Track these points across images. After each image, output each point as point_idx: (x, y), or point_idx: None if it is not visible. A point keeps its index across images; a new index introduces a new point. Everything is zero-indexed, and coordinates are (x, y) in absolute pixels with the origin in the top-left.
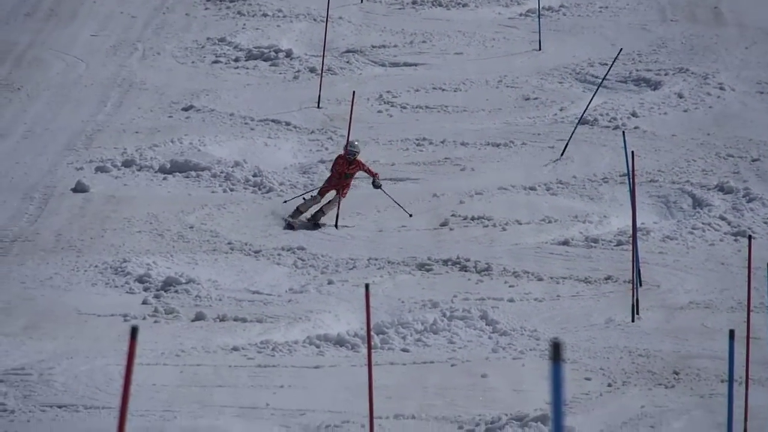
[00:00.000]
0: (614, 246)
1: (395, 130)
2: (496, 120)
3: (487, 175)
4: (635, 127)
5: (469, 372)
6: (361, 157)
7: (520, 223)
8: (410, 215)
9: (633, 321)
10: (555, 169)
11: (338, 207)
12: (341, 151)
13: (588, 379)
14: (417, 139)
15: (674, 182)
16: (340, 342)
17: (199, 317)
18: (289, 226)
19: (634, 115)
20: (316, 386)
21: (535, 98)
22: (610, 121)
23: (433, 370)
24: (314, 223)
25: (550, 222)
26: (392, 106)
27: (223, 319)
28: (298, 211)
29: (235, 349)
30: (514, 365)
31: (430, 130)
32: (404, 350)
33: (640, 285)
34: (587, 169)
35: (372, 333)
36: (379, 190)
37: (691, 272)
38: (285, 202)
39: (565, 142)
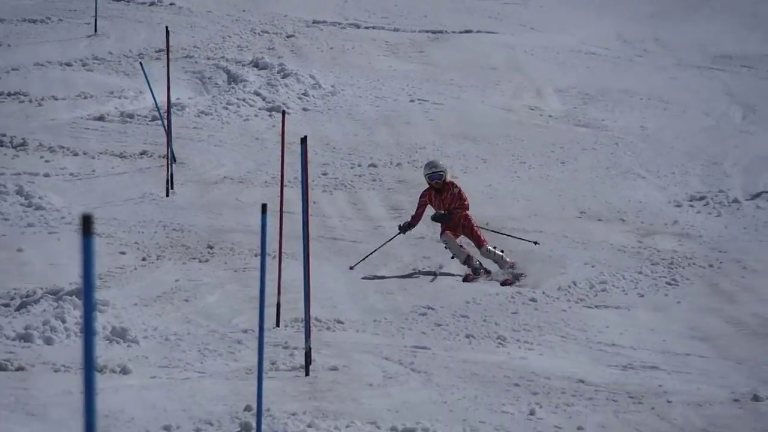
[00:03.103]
0: (149, 121)
1: None
2: None
3: (23, 51)
4: (171, 4)
5: (4, 246)
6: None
7: (56, 99)
8: (536, 243)
9: (167, 196)
10: (91, 44)
11: (494, 252)
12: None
13: (123, 253)
14: None
15: (209, 58)
16: None
17: None
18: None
19: None
20: None
21: None
22: None
23: None
24: (485, 270)
25: (86, 98)
26: None
27: None
28: (471, 258)
29: None
30: (50, 239)
31: None
32: None
33: (175, 160)
34: (123, 45)
35: None
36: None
37: (226, 147)
38: (351, 268)
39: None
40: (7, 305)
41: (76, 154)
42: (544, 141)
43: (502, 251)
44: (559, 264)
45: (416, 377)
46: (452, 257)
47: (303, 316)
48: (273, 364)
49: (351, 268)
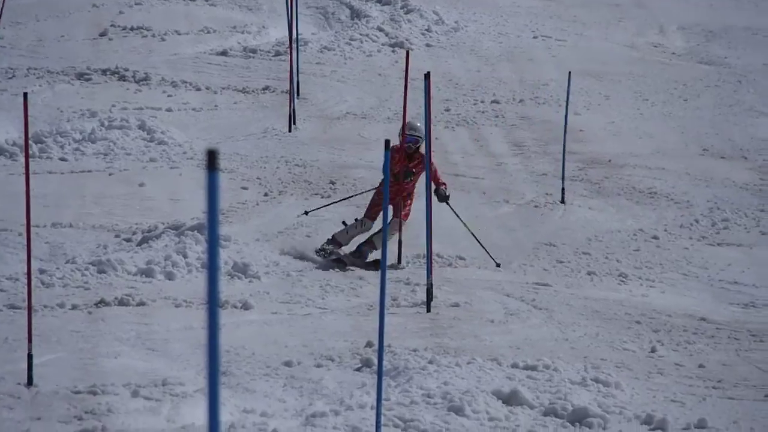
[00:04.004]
0: (272, 56)
1: None
2: None
3: None
4: None
5: (126, 181)
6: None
7: (179, 34)
8: (498, 265)
9: (290, 131)
10: None
11: (399, 232)
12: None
13: (245, 188)
14: None
15: None
16: None
17: None
18: (324, 255)
19: None
20: None
21: None
22: None
23: (91, 179)
24: (361, 259)
25: (208, 32)
26: None
27: None
28: (335, 242)
29: None
30: (171, 174)
31: None
32: (62, 159)
33: (298, 96)
34: None
35: (30, 142)
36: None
37: (349, 83)
38: (305, 213)
39: None
40: (129, 240)
41: (198, 89)
42: (666, 78)
43: (394, 234)
44: (681, 201)
45: (537, 314)
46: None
47: (425, 252)
48: (394, 300)
49: (306, 213)
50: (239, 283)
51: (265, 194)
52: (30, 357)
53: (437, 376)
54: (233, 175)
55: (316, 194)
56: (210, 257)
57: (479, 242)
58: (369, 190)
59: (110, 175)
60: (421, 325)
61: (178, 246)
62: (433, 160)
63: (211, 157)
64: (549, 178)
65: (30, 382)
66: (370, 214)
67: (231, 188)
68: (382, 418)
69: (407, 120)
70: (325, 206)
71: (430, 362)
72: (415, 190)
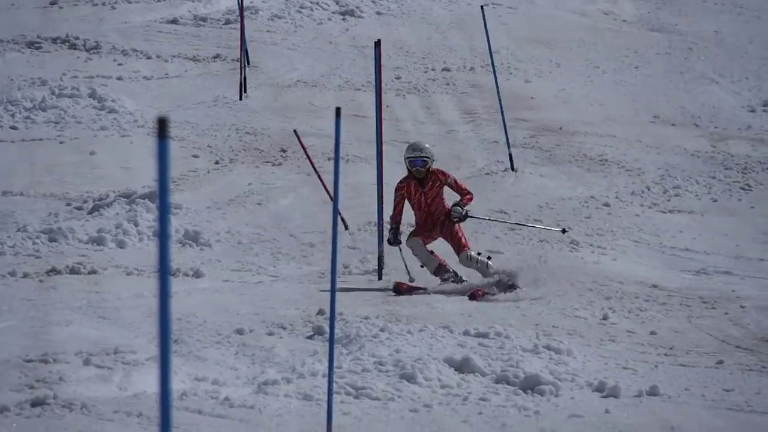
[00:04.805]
0: (222, 25)
1: None
2: None
3: None
4: None
5: (77, 149)
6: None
7: (129, 2)
8: (564, 231)
9: (241, 99)
10: None
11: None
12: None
13: (196, 156)
14: None
15: None
16: None
17: None
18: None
19: None
20: None
21: None
22: None
23: (42, 148)
24: (458, 277)
25: (159, 0)
26: None
27: None
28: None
29: None
30: (122, 143)
31: None
32: (13, 128)
33: (248, 64)
34: None
35: None
36: (463, 220)
37: (299, 51)
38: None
39: None
40: (80, 208)
41: (149, 57)
42: (617, 46)
43: (488, 258)
44: (632, 168)
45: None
46: (421, 266)
47: (376, 219)
48: (346, 267)
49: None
50: (190, 251)
51: (216, 162)
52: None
53: (389, 344)
54: (184, 143)
55: (267, 162)
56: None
57: (538, 227)
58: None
59: (61, 143)
60: (372, 293)
61: (129, 214)
62: (446, 171)
63: (162, 124)
64: (500, 146)
65: None
66: (421, 240)
67: (182, 156)
68: (334, 385)
69: (412, 142)
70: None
71: (382, 330)
72: (446, 206)
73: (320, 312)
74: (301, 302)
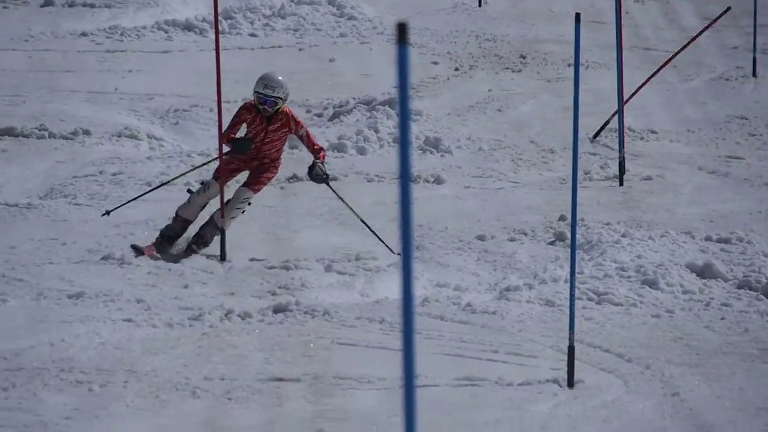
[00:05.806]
0: None
1: None
2: None
3: None
4: None
5: (316, 56)
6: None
7: None
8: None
9: (480, 6)
10: None
11: (239, 206)
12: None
13: (435, 63)
14: None
15: None
16: (188, 27)
17: (48, 2)
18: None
19: None
20: (165, 71)
21: None
22: None
23: (281, 55)
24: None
25: None
26: None
27: (71, 4)
28: (180, 219)
29: (83, 34)
30: (362, 50)
31: None
32: (252, 35)
33: None
34: None
35: (220, 18)
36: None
37: None
38: (107, 214)
39: None
40: (320, 115)
41: None
42: None
43: (243, 212)
44: None
45: (730, 187)
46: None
47: (617, 126)
48: (587, 173)
49: (107, 213)
50: (431, 158)
51: (456, 69)
52: (222, 232)
53: (630, 250)
54: (423, 50)
55: (506, 68)
56: (402, 132)
57: (374, 233)
58: (201, 165)
59: (300, 50)
60: (613, 198)
61: (370, 121)
62: (300, 119)
63: (402, 30)
64: (739, 52)
65: (223, 257)
66: (218, 174)
67: (421, 63)
68: (576, 291)
69: (266, 73)
70: (127, 203)
71: (624, 236)
72: (280, 159)
73: (561, 218)
74: (542, 208)
